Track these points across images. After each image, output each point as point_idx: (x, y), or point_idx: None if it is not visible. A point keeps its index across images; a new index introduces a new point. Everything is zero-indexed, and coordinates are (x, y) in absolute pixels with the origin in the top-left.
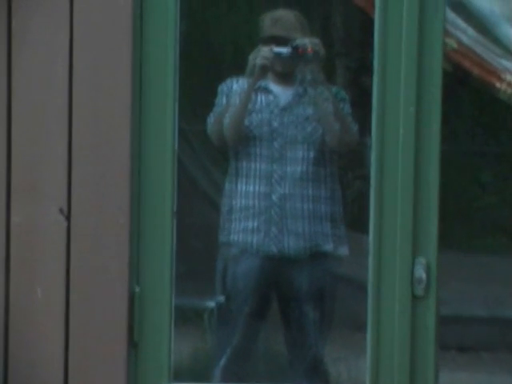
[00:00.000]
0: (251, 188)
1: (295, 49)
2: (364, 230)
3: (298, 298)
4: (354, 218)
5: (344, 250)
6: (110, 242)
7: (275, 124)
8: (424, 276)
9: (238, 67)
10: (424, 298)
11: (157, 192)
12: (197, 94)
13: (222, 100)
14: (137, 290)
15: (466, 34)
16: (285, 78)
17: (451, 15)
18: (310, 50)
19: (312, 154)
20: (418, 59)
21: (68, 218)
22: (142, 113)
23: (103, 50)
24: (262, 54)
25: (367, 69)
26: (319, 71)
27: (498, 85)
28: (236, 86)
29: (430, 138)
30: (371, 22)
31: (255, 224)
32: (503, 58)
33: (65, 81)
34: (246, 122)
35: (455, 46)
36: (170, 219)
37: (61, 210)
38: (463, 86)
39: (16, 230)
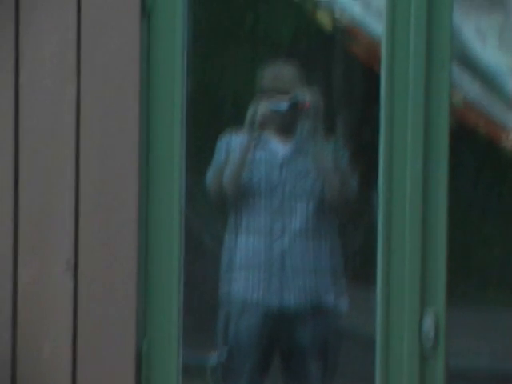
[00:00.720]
0: (251, 243)
1: (294, 104)
2: (365, 283)
3: (300, 354)
4: (356, 271)
5: (345, 304)
6: (117, 297)
7: (274, 178)
8: (433, 329)
9: (239, 119)
10: (433, 351)
11: (164, 244)
12: (199, 147)
13: (220, 155)
14: (144, 346)
15: (472, 89)
16: (284, 132)
17: (457, 71)
18: (308, 104)
19: (311, 208)
20: (425, 115)
21: (75, 272)
22: (149, 164)
23: (111, 99)
24: (261, 110)
25: (368, 122)
26: (318, 125)
27: (503, 139)
28: (235, 141)
29: (437, 193)
30: (372, 74)
31: (256, 279)
32: (509, 112)
33: (72, 134)
34: (245, 177)
35: (461, 101)
36: (178, 272)
37: (68, 263)
38: (464, 139)
39: (23, 286)
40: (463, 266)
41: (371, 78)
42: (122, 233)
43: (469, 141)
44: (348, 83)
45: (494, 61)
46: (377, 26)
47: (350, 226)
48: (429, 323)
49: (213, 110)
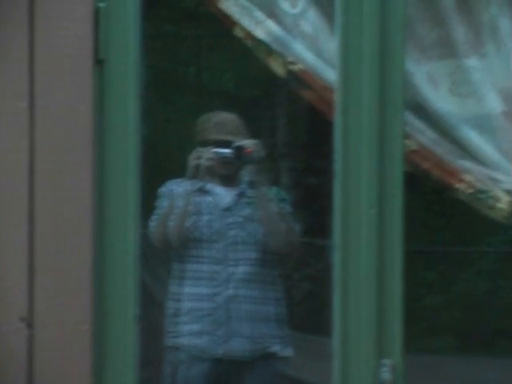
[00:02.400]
0: (195, 290)
1: (237, 150)
2: (313, 331)
3: None
4: (302, 319)
5: (289, 351)
6: (72, 350)
7: (216, 226)
8: (390, 379)
9: (179, 169)
10: None
11: (119, 297)
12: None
13: (162, 203)
14: None
15: (425, 135)
16: (226, 179)
17: (410, 117)
18: (249, 150)
19: (254, 255)
20: (379, 161)
21: (30, 326)
22: (103, 220)
23: (65, 148)
24: (206, 155)
25: (311, 170)
26: (260, 172)
27: (457, 185)
28: (177, 188)
29: (392, 239)
30: (316, 123)
31: (200, 327)
32: (463, 158)
33: (25, 189)
34: (188, 224)
35: (415, 147)
36: (133, 325)
37: (22, 319)
38: (416, 185)
39: None
40: (407, 313)
41: (314, 126)
42: (77, 287)
43: (421, 186)
44: (299, 128)
45: (447, 107)
46: (330, 71)
47: (295, 274)
48: (386, 375)
49: (160, 158)
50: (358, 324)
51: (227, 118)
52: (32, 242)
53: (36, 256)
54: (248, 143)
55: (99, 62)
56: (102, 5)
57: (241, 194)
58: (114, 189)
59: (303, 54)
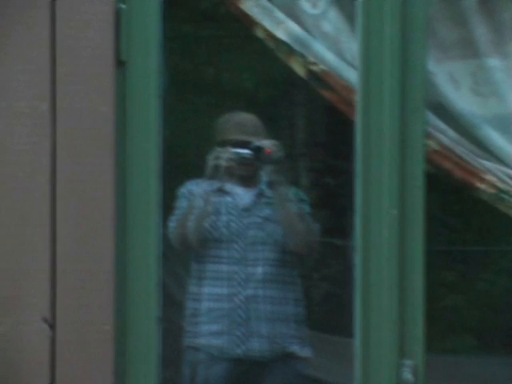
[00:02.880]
0: (214, 290)
1: (256, 150)
2: (333, 331)
3: None
4: (322, 320)
5: (308, 351)
6: (94, 350)
7: (234, 226)
8: (411, 379)
9: (197, 169)
10: None
11: (142, 298)
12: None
13: (182, 203)
14: None
15: (446, 135)
16: (245, 179)
17: (432, 117)
18: (268, 151)
19: (273, 255)
20: (400, 162)
21: (52, 326)
22: (125, 221)
23: (87, 150)
24: (225, 155)
25: (330, 170)
26: (279, 172)
27: (478, 185)
28: (196, 189)
29: (413, 240)
30: (335, 123)
31: (219, 327)
32: (484, 158)
33: (47, 187)
34: (207, 225)
35: (437, 147)
36: (156, 325)
37: (44, 319)
38: (438, 185)
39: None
40: (427, 313)
41: (334, 126)
42: (99, 288)
43: (440, 185)
44: (318, 128)
45: (468, 107)
46: (351, 72)
47: (314, 274)
48: (407, 375)
49: (180, 158)
50: (379, 324)
51: (246, 118)
52: (54, 243)
53: (58, 257)
54: (267, 143)
55: (121, 64)
56: (123, 6)
57: (260, 195)
58: (136, 190)
59: (324, 55)
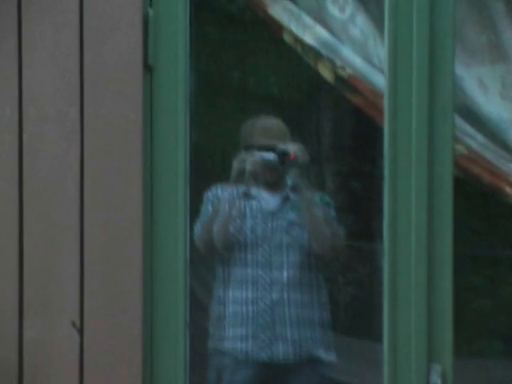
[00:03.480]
0: (239, 294)
1: (281, 155)
2: (360, 336)
3: None
4: (348, 324)
5: (333, 356)
6: (122, 355)
7: (259, 229)
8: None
9: (224, 174)
10: None
11: (169, 303)
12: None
13: (207, 208)
14: None
15: (474, 139)
16: (270, 183)
17: (460, 121)
18: (294, 155)
19: (299, 259)
20: (428, 166)
21: (80, 331)
22: (153, 226)
23: (115, 156)
24: (251, 159)
25: (357, 174)
26: (304, 177)
27: (508, 189)
28: (222, 193)
29: (442, 244)
30: (362, 128)
31: (244, 330)
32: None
33: (76, 193)
34: (232, 229)
35: (465, 152)
36: (184, 330)
37: (73, 324)
38: (467, 189)
39: (28, 345)
40: (455, 317)
41: (369, 127)
42: (127, 293)
43: (466, 189)
44: (345, 133)
45: (497, 111)
46: (379, 76)
47: (340, 278)
48: (436, 380)
49: (206, 162)
50: (407, 329)
51: (272, 122)
52: (82, 248)
53: (87, 261)
54: (292, 147)
55: (149, 69)
56: (150, 11)
57: (285, 199)
58: (164, 195)
59: (352, 59)
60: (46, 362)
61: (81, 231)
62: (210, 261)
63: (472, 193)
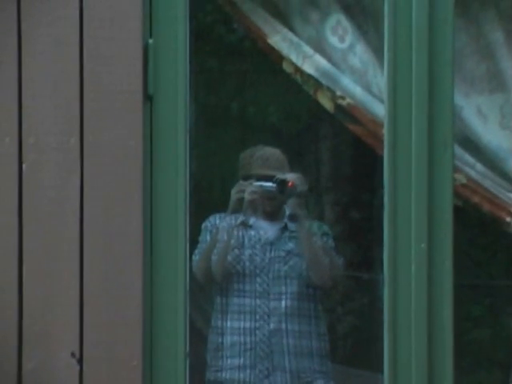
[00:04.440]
0: (237, 324)
1: (280, 184)
2: (359, 365)
3: None
4: (347, 354)
5: None
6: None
7: (258, 259)
8: None
9: (223, 203)
10: None
11: (169, 333)
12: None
13: (205, 237)
14: None
15: (474, 169)
16: (269, 213)
17: (459, 151)
18: (292, 184)
19: (296, 289)
20: (428, 195)
21: (80, 361)
22: (153, 256)
23: (115, 186)
24: (249, 189)
25: (356, 203)
26: (303, 206)
27: (508, 219)
28: (220, 223)
29: (442, 274)
30: (361, 157)
31: (242, 361)
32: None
33: (76, 225)
34: (230, 258)
35: (465, 181)
36: (184, 361)
37: (72, 354)
38: (465, 218)
39: (28, 377)
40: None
41: (368, 157)
42: (127, 323)
43: (465, 219)
44: (344, 162)
45: (496, 141)
46: (378, 106)
47: (339, 308)
48: None
49: (205, 191)
50: (408, 359)
51: (270, 152)
52: (82, 278)
53: (86, 291)
54: (291, 176)
55: (149, 98)
56: (150, 41)
57: (284, 228)
58: (164, 224)
59: (352, 89)
60: None
61: (80, 262)
62: (208, 291)
63: (472, 222)
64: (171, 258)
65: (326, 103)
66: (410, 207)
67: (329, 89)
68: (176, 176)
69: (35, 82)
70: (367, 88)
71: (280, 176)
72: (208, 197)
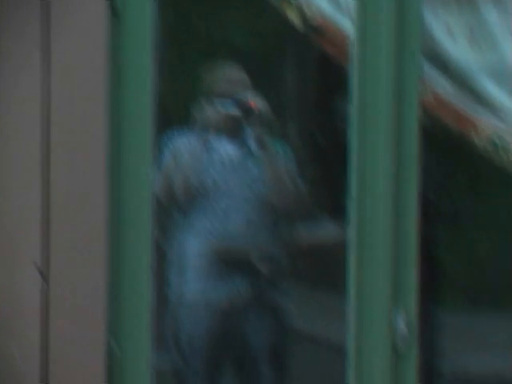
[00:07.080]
0: (199, 244)
1: (243, 105)
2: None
3: (253, 352)
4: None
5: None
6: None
7: (223, 181)
8: (405, 329)
9: (187, 123)
10: (406, 351)
11: (134, 250)
12: None
13: (168, 158)
14: (115, 349)
15: (443, 85)
16: (232, 134)
17: (427, 66)
18: (255, 106)
19: (258, 210)
20: (397, 113)
21: (47, 279)
22: (120, 176)
23: (79, 102)
24: (211, 111)
25: (321, 128)
26: (266, 128)
27: (473, 133)
28: (182, 143)
29: (408, 190)
30: (326, 81)
31: (203, 280)
32: (481, 109)
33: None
34: (195, 180)
35: (430, 93)
36: (146, 275)
37: (38, 269)
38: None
39: None
40: None
41: (325, 83)
42: (91, 248)
43: (441, 137)
44: (300, 90)
45: (465, 58)
46: (346, 21)
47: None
48: (400, 323)
49: (170, 113)
50: (373, 273)
51: (234, 72)
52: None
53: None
54: (254, 99)
55: (115, 16)
56: None
57: (246, 150)
58: (132, 143)
59: (321, 5)
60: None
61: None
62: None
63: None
64: (138, 175)
65: (296, 19)
66: (377, 123)
67: (298, 5)
68: (142, 94)
69: None
70: (336, 5)
71: (244, 98)
72: (172, 116)
